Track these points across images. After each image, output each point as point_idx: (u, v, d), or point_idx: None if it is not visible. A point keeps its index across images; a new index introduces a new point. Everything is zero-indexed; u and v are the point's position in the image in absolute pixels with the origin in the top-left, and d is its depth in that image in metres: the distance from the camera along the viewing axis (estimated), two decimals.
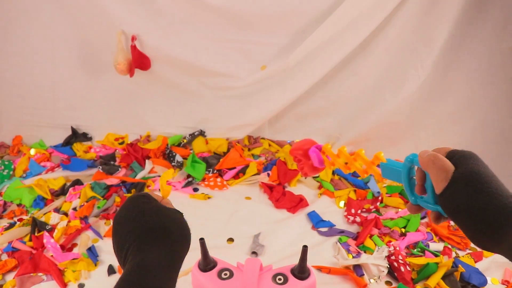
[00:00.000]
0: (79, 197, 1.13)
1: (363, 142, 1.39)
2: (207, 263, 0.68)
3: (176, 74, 1.36)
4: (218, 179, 1.25)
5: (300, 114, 1.43)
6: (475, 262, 0.95)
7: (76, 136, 1.43)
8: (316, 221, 1.08)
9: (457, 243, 1.01)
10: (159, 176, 1.27)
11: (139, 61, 1.29)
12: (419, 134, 1.34)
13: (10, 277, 0.88)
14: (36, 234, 0.99)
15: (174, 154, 1.33)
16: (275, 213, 1.12)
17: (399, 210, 1.12)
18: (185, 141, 1.42)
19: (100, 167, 1.25)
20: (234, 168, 1.29)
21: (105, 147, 1.42)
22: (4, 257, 0.93)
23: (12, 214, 1.08)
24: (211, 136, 1.44)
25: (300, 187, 1.25)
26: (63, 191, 1.17)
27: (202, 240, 0.66)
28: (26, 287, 0.85)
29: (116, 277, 0.88)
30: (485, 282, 0.88)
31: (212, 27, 1.28)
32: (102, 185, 1.19)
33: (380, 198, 1.17)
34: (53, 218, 1.05)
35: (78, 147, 1.40)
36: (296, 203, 1.14)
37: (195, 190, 1.22)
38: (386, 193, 1.20)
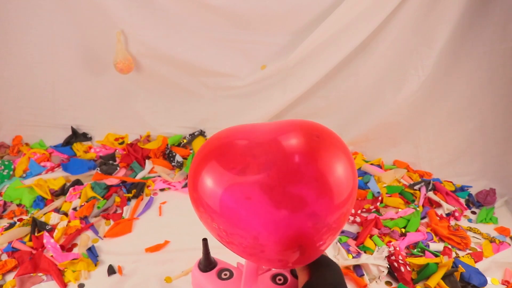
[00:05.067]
0: (79, 197, 1.13)
1: (363, 142, 1.39)
2: (208, 263, 0.68)
3: (176, 74, 1.36)
4: None
5: (300, 114, 1.43)
6: (475, 262, 0.95)
7: (76, 136, 1.43)
8: None
9: (457, 243, 1.01)
10: (159, 176, 1.27)
11: None
12: (419, 134, 1.34)
13: (10, 277, 0.88)
14: (36, 234, 0.99)
15: (174, 154, 1.33)
16: None
17: (399, 210, 1.12)
18: (185, 141, 1.42)
19: (99, 169, 1.25)
20: None
21: (105, 147, 1.42)
22: (4, 257, 0.93)
23: (12, 214, 1.08)
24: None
25: None
26: (63, 191, 1.17)
27: (205, 241, 0.66)
28: (26, 287, 0.85)
29: (116, 277, 0.88)
30: (485, 282, 0.88)
31: (212, 27, 1.28)
32: (102, 185, 1.19)
33: (380, 198, 1.17)
34: (53, 218, 1.05)
35: (78, 147, 1.40)
36: None
37: None
38: (386, 193, 1.20)
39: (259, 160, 0.42)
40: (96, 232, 1.03)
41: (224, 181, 0.44)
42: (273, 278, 0.64)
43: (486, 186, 1.24)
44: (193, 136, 1.43)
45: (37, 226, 1.01)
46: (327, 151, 0.45)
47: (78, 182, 1.20)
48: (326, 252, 0.54)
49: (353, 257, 0.94)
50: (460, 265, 0.90)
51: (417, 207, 1.13)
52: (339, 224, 0.45)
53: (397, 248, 0.95)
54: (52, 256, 0.92)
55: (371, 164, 1.36)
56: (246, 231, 0.44)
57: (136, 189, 1.17)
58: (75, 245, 0.98)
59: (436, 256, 0.95)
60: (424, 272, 0.89)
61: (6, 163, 1.28)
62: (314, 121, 0.49)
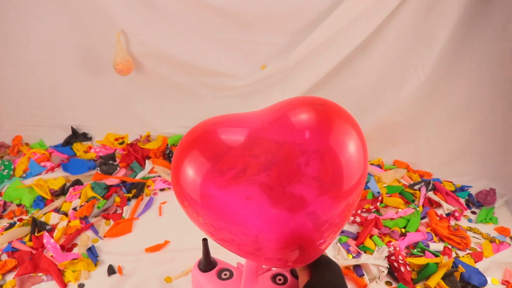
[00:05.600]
0: (79, 197, 1.13)
1: None
2: (208, 263, 0.68)
3: (176, 74, 1.36)
4: None
5: None
6: (475, 262, 0.95)
7: (76, 136, 1.43)
8: None
9: (457, 243, 1.01)
10: (159, 176, 1.27)
11: None
12: (419, 134, 1.34)
13: (10, 277, 0.88)
14: (36, 234, 1.00)
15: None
16: None
17: (399, 210, 1.12)
18: None
19: (99, 169, 1.25)
20: None
21: (105, 147, 1.42)
22: (4, 257, 0.93)
23: (12, 214, 1.08)
24: None
25: None
26: (63, 191, 1.17)
27: (205, 241, 0.66)
28: (26, 287, 0.85)
29: (116, 277, 0.88)
30: (485, 282, 0.88)
31: (212, 27, 1.28)
32: (102, 185, 1.19)
33: (380, 198, 1.17)
34: (53, 218, 1.05)
35: (78, 147, 1.40)
36: None
37: None
38: (386, 193, 1.20)
39: (259, 160, 0.42)
40: (96, 232, 1.03)
41: (206, 171, 0.42)
42: (273, 278, 0.64)
43: (486, 186, 1.24)
44: None
45: (37, 226, 1.01)
46: (336, 124, 0.42)
47: (78, 182, 1.20)
48: (326, 252, 0.54)
49: (353, 257, 0.94)
50: (460, 265, 0.90)
51: (417, 207, 1.13)
52: (342, 219, 0.44)
53: (397, 248, 0.95)
54: (52, 256, 0.92)
55: (371, 164, 1.36)
56: (235, 225, 0.43)
57: (136, 189, 1.17)
58: (75, 245, 0.98)
59: (436, 256, 0.95)
60: (424, 272, 0.89)
61: (6, 163, 1.28)
62: None
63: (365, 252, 0.96)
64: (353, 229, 1.07)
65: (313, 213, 0.41)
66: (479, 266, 0.93)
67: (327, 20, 1.20)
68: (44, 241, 0.95)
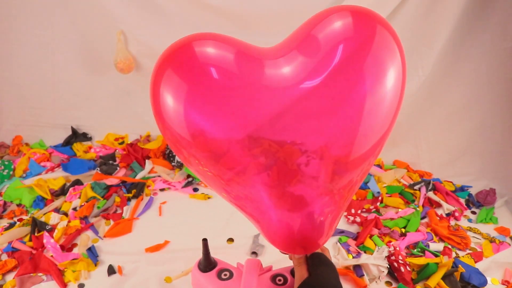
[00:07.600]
0: (79, 197, 1.13)
1: None
2: (208, 264, 0.68)
3: None
4: None
5: None
6: (475, 262, 0.95)
7: (76, 136, 1.43)
8: None
9: (457, 243, 1.01)
10: (159, 176, 1.27)
11: None
12: (419, 134, 1.34)
13: (10, 277, 0.88)
14: (36, 234, 1.00)
15: (174, 154, 1.33)
16: None
17: (399, 210, 1.12)
18: None
19: (99, 169, 1.25)
20: None
21: (105, 147, 1.42)
22: (4, 257, 0.93)
23: (12, 214, 1.08)
24: None
25: None
26: (63, 191, 1.17)
27: (205, 241, 0.67)
28: (26, 287, 0.85)
29: (116, 277, 0.88)
30: (485, 282, 0.88)
31: (212, 27, 1.28)
32: (102, 185, 1.19)
33: (380, 198, 1.17)
34: (53, 218, 1.05)
35: (78, 147, 1.40)
36: None
37: (195, 190, 1.22)
38: (386, 193, 1.20)
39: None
40: (96, 232, 1.03)
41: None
42: (273, 278, 0.64)
43: (486, 186, 1.24)
44: None
45: (37, 226, 1.01)
46: (379, 31, 0.35)
47: (78, 182, 1.20)
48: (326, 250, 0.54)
49: (353, 257, 0.94)
50: (460, 265, 0.90)
51: (417, 207, 1.13)
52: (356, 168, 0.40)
53: (397, 248, 0.95)
54: (52, 256, 0.92)
55: None
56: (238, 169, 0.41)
57: (136, 189, 1.17)
58: (75, 245, 0.98)
59: (436, 256, 0.95)
60: (424, 272, 0.89)
61: (6, 163, 1.28)
62: None
63: (365, 252, 0.96)
64: (353, 229, 1.07)
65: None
66: (479, 266, 0.93)
67: None
68: (44, 241, 0.95)
